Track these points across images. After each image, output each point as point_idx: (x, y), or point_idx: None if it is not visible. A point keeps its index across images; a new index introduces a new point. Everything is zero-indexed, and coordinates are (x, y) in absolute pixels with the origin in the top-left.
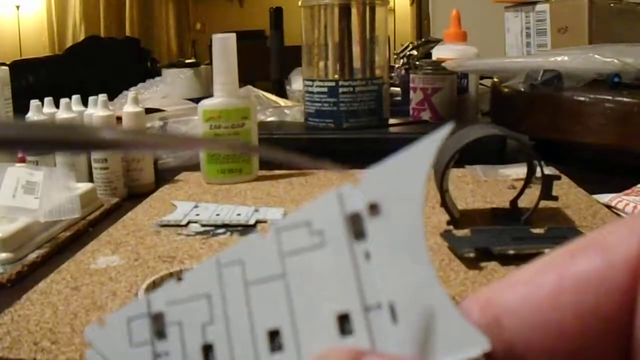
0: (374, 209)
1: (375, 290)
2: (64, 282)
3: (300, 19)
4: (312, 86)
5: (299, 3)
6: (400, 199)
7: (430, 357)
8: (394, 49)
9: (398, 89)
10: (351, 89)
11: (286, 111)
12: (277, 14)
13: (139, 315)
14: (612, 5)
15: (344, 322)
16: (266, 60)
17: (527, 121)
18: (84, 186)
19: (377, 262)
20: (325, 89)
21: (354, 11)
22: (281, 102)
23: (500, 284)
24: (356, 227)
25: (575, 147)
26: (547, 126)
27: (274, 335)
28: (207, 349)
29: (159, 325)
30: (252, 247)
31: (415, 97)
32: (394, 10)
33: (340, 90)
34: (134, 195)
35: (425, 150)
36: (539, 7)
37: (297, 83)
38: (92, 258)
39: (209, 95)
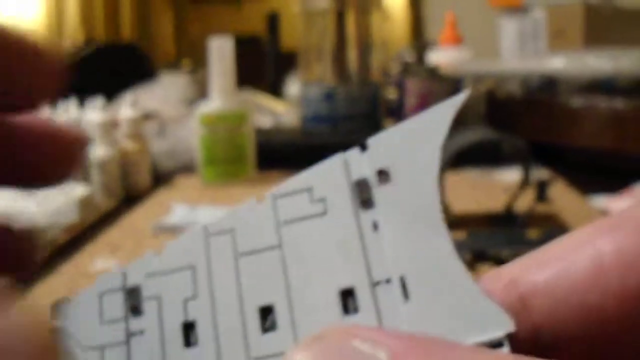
0: (383, 175)
1: (383, 264)
2: (62, 285)
3: (296, 24)
4: (308, 91)
5: (296, 8)
6: (413, 165)
7: (447, 337)
8: (390, 54)
9: (394, 93)
10: (347, 93)
11: (283, 116)
12: (273, 19)
13: (112, 289)
14: (607, 10)
15: (347, 299)
16: (263, 64)
17: (522, 125)
18: (82, 190)
19: (386, 233)
20: (322, 94)
21: (349, 16)
22: (278, 106)
23: (527, 261)
24: (363, 195)
25: (570, 151)
26: (542, 130)
27: (266, 313)
28: (188, 328)
29: (134, 300)
30: (245, 215)
31: (410, 101)
32: (389, 15)
33: (337, 94)
34: (131, 199)
35: (441, 115)
36: (534, 11)
37: (293, 87)
38: (90, 261)
39: (206, 99)
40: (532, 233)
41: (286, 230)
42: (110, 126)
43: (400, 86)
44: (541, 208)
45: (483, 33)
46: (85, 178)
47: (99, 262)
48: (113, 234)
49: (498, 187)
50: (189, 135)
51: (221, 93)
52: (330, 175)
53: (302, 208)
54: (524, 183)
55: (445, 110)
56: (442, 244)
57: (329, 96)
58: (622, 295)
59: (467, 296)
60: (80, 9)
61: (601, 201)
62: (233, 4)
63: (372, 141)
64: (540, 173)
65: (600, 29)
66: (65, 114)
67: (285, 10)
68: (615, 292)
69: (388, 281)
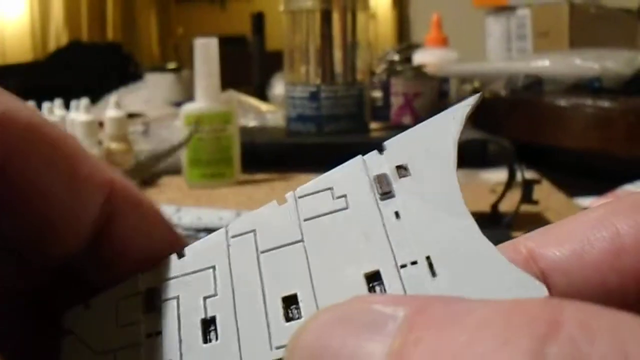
0: (401, 170)
1: (408, 248)
2: None
3: (281, 24)
4: (293, 91)
5: (281, 8)
6: (431, 157)
7: None
8: (375, 54)
9: (379, 93)
10: (332, 93)
11: (268, 116)
12: (258, 19)
13: (130, 294)
14: (592, 10)
15: (373, 281)
16: (248, 65)
17: (508, 125)
18: None
19: (409, 220)
20: (307, 94)
21: (335, 16)
22: (263, 106)
23: (544, 235)
24: (383, 189)
25: (555, 152)
26: (527, 130)
27: (289, 302)
28: (208, 324)
29: (152, 302)
30: (266, 216)
31: (396, 101)
32: (375, 15)
33: (322, 95)
34: None
35: (455, 114)
36: (519, 11)
37: (278, 88)
38: None
39: (191, 99)
40: (518, 234)
41: (308, 225)
42: (95, 127)
43: (386, 87)
44: (527, 209)
45: (468, 33)
46: None
47: None
48: None
49: (484, 187)
50: (174, 135)
51: (206, 93)
52: (350, 174)
53: (324, 205)
54: (510, 184)
55: (459, 110)
56: (468, 225)
57: (314, 96)
58: None
59: (498, 267)
60: (65, 10)
61: (586, 202)
62: (218, 4)
63: (388, 143)
64: (526, 174)
65: (586, 28)
66: (50, 114)
67: (271, 10)
68: (635, 274)
69: (414, 263)
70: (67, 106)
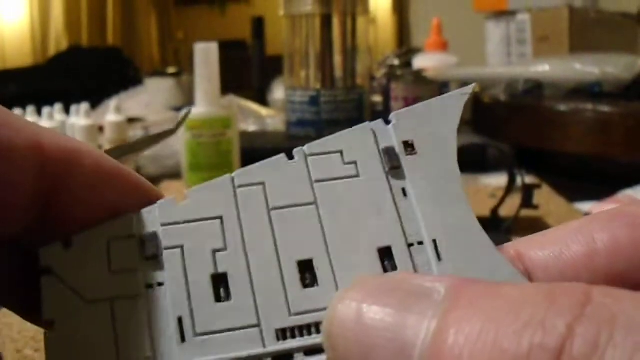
0: (409, 147)
1: (415, 228)
2: None
3: (281, 28)
4: (293, 95)
5: (281, 13)
6: (436, 140)
7: None
8: (376, 59)
9: (379, 98)
10: (332, 98)
11: (268, 120)
12: (258, 24)
13: (123, 235)
14: (592, 14)
15: (385, 257)
16: (248, 69)
17: (507, 130)
18: None
19: (416, 200)
20: (307, 98)
21: (335, 21)
22: (263, 111)
23: (527, 241)
24: (392, 162)
25: (556, 156)
26: (527, 135)
27: (304, 267)
28: (219, 280)
29: (151, 249)
30: (275, 169)
31: (396, 106)
32: (375, 19)
33: (322, 99)
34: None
35: (454, 101)
36: (519, 16)
37: (278, 92)
38: None
39: (191, 104)
40: (518, 238)
41: (320, 188)
42: (95, 131)
43: (386, 91)
44: (527, 213)
45: (468, 38)
46: None
47: None
48: None
49: (484, 192)
50: (174, 140)
51: (206, 98)
52: (359, 141)
53: (335, 169)
54: (510, 188)
55: (457, 97)
56: (466, 212)
57: (314, 101)
58: (610, 276)
59: (491, 261)
60: (66, 14)
61: (586, 207)
62: (218, 8)
63: (394, 117)
64: (526, 178)
65: (586, 33)
66: (50, 119)
67: (271, 14)
68: (605, 273)
69: (420, 243)
70: (67, 111)
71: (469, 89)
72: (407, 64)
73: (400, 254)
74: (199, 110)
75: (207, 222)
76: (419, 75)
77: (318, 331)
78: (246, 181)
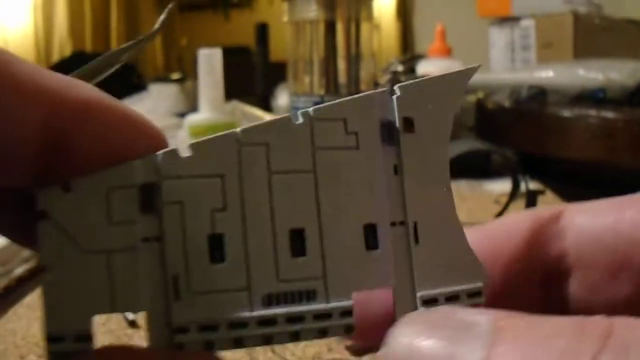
0: (408, 123)
1: (399, 208)
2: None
3: (285, 34)
4: (297, 101)
5: (285, 19)
6: (434, 121)
7: (438, 283)
8: (379, 64)
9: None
10: None
11: None
12: (262, 30)
13: (123, 185)
14: (596, 20)
15: (369, 234)
16: (252, 75)
17: (511, 136)
18: None
19: (406, 180)
20: (311, 104)
21: (339, 27)
22: (267, 117)
23: (574, 206)
24: (390, 138)
25: (559, 162)
26: (531, 141)
27: (295, 236)
28: (214, 240)
29: (151, 201)
30: (280, 130)
31: None
32: (379, 25)
33: None
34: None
35: (458, 79)
36: (523, 22)
37: (282, 98)
38: None
39: (195, 110)
40: None
41: (321, 156)
42: None
43: None
44: None
45: (472, 44)
46: None
47: None
48: None
49: (487, 198)
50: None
51: (210, 104)
52: (363, 110)
53: (337, 138)
54: (514, 194)
55: (462, 75)
56: (448, 199)
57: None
58: (629, 254)
59: (461, 250)
60: (69, 20)
61: None
62: (221, 14)
63: (399, 89)
64: (529, 184)
65: (590, 39)
66: None
67: (274, 20)
68: (626, 249)
69: (402, 223)
70: None
71: (474, 69)
72: (411, 70)
73: (382, 233)
74: (203, 116)
75: (209, 179)
76: None
77: (301, 299)
78: (251, 140)
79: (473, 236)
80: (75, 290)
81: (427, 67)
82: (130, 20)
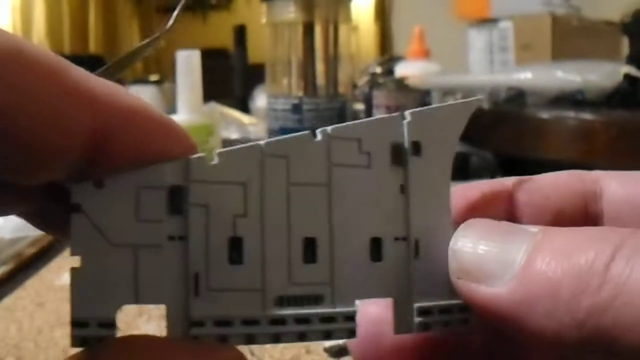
0: (416, 147)
1: (403, 225)
2: (29, 298)
3: (263, 36)
4: (275, 103)
5: (263, 21)
6: (439, 147)
7: (434, 296)
8: (358, 66)
9: (361, 106)
10: (315, 105)
11: (250, 128)
12: (240, 32)
13: (153, 185)
14: (575, 22)
15: (374, 247)
16: (230, 77)
17: (490, 138)
18: None
19: (411, 199)
20: (289, 106)
21: (317, 29)
22: (245, 119)
23: (604, 174)
24: (398, 159)
25: (538, 164)
26: (510, 143)
27: (308, 244)
28: (235, 243)
29: (177, 203)
30: (300, 145)
31: (378, 114)
32: (357, 27)
33: (304, 107)
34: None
35: (462, 110)
36: (502, 24)
37: (260, 100)
38: (56, 274)
39: (173, 111)
40: None
41: (335, 172)
42: None
43: (368, 99)
44: None
45: (450, 46)
46: None
47: (65, 276)
48: None
49: None
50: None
51: (188, 106)
52: (377, 132)
53: (351, 155)
54: None
55: (466, 106)
56: (447, 218)
57: (297, 108)
58: None
59: (445, 269)
60: (47, 22)
61: None
62: (200, 16)
63: (409, 115)
64: None
65: (568, 41)
66: None
67: (253, 22)
68: None
69: (404, 239)
70: None
71: (478, 100)
72: (389, 72)
73: (387, 246)
74: (181, 117)
75: (233, 186)
76: (401, 83)
77: (309, 303)
78: (273, 152)
79: (525, 186)
80: (101, 281)
81: (406, 69)
82: (108, 21)
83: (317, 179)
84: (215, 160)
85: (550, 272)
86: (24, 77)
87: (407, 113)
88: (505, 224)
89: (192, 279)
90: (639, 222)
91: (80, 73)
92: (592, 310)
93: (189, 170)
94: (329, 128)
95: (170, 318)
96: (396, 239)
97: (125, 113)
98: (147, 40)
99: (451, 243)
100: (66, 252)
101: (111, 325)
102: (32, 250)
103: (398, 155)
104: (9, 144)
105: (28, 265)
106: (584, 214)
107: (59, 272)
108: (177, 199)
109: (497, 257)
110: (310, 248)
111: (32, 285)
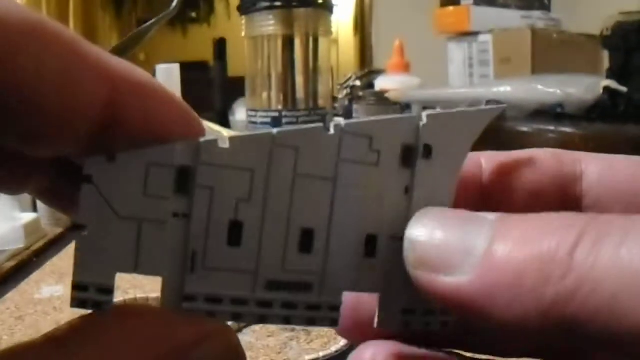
0: (427, 150)
1: (402, 225)
2: (8, 312)
3: (243, 49)
4: (255, 116)
5: (243, 34)
6: (452, 151)
7: (419, 298)
8: (338, 80)
9: (341, 119)
10: (295, 119)
11: None
12: (220, 45)
13: (163, 164)
14: (554, 35)
15: (370, 244)
16: (210, 90)
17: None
18: (28, 216)
19: (414, 201)
20: (269, 119)
21: (297, 42)
22: (225, 132)
23: (585, 155)
24: (407, 160)
25: None
26: None
27: (305, 235)
28: (234, 227)
29: (184, 183)
30: (312, 137)
31: None
32: (337, 40)
33: (284, 120)
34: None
35: (481, 117)
36: (481, 37)
37: (240, 113)
38: (36, 288)
39: None
40: None
41: (343, 167)
42: None
43: (348, 112)
44: None
45: (431, 59)
46: (32, 204)
47: (46, 289)
48: (60, 261)
49: None
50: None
51: None
52: (390, 131)
53: (361, 153)
54: None
55: (487, 114)
56: None
57: (276, 122)
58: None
59: None
60: None
61: None
62: (179, 30)
63: (426, 117)
64: None
65: (548, 54)
66: None
67: (232, 36)
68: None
69: (400, 238)
70: None
71: (500, 108)
72: (369, 85)
73: (381, 244)
74: None
75: (241, 171)
76: (380, 97)
77: (298, 290)
78: (283, 142)
79: (499, 157)
80: (104, 249)
81: (386, 83)
82: (88, 35)
83: (323, 172)
84: (226, 145)
85: (512, 261)
86: (47, 48)
87: (424, 115)
88: (461, 212)
89: (189, 256)
90: (619, 206)
91: (96, 49)
92: (556, 299)
93: (199, 153)
94: (343, 122)
95: (165, 290)
96: (393, 237)
97: (139, 87)
98: (149, 23)
99: (406, 233)
100: (46, 266)
101: (109, 291)
102: (11, 264)
103: (408, 157)
104: (32, 110)
105: (7, 278)
106: (562, 196)
107: (39, 285)
108: (184, 179)
109: (457, 246)
110: (307, 239)
111: (12, 299)
